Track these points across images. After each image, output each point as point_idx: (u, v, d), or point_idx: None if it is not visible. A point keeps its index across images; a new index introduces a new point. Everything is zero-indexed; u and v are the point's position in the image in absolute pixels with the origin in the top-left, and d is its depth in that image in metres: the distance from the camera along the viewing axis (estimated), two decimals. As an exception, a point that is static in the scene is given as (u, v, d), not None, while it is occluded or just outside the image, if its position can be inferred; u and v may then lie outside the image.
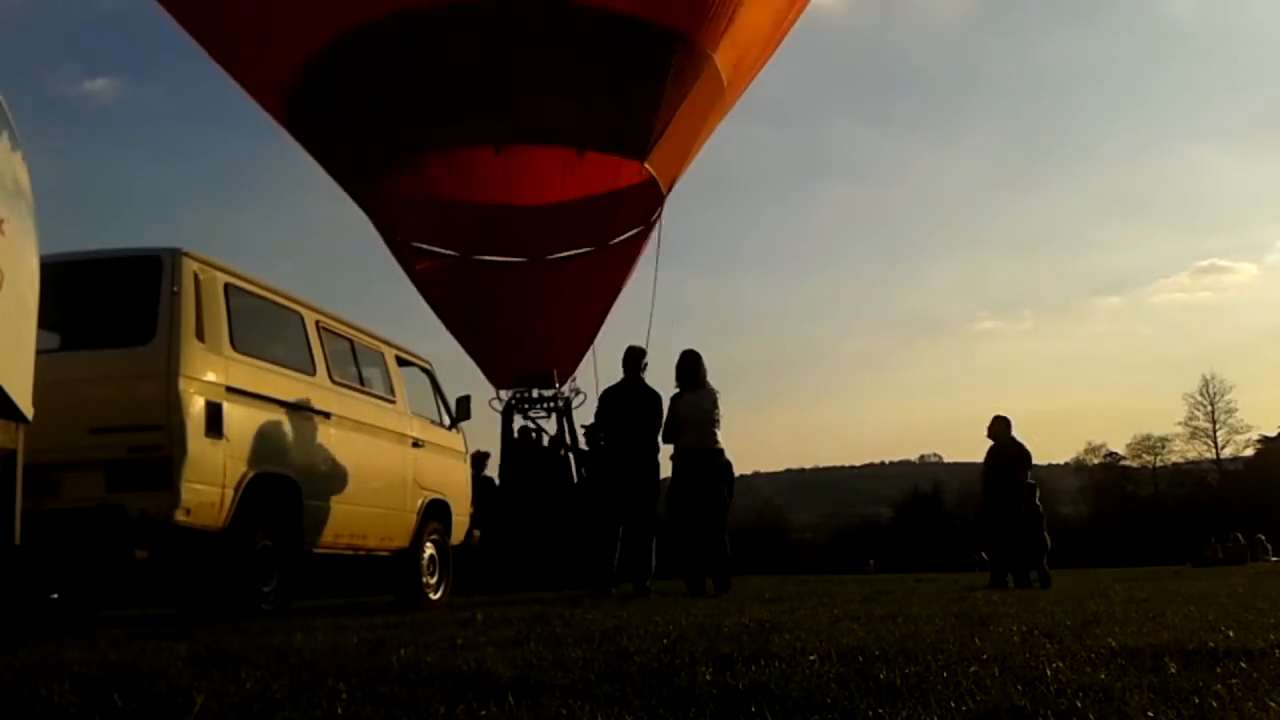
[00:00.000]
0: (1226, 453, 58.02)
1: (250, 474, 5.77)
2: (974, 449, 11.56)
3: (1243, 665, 2.56)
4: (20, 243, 4.17)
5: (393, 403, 7.74)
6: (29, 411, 4.23)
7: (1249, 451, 57.35)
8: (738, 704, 2.11)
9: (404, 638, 3.71)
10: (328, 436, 6.64)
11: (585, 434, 14.01)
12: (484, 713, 2.07)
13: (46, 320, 4.51)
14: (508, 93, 11.79)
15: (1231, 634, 3.33)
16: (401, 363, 8.13)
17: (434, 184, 12.92)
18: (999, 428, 10.78)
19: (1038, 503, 11.01)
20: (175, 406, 5.33)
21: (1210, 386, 57.52)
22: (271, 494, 5.99)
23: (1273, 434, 55.78)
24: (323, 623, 4.88)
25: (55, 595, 6.33)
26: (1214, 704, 2.06)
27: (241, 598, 5.75)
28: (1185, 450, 59.47)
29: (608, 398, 8.61)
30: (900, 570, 32.13)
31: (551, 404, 14.93)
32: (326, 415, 6.63)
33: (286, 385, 6.30)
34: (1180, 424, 58.78)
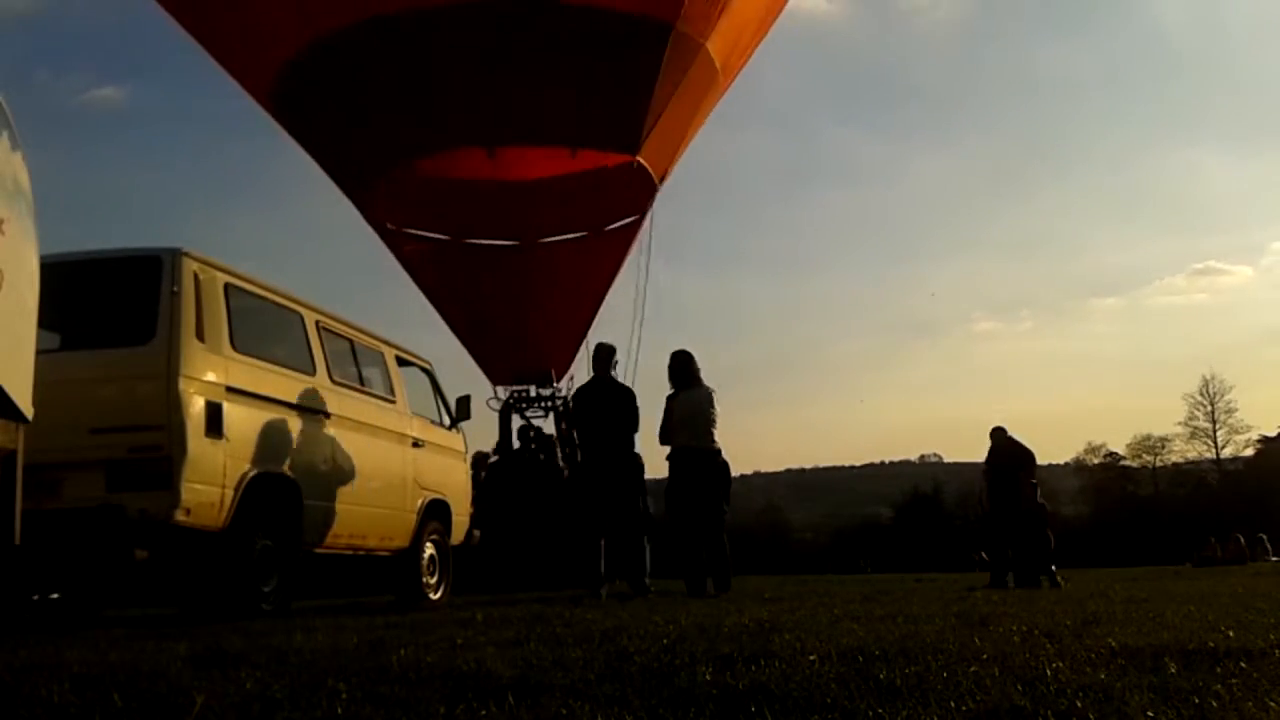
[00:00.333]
0: (1226, 453, 58.09)
1: (250, 474, 5.77)
2: (974, 449, 11.67)
3: (1243, 665, 2.56)
4: (20, 243, 4.17)
5: (393, 403, 7.74)
6: (29, 411, 4.23)
7: (1249, 451, 57.42)
8: (738, 704, 2.11)
9: (404, 638, 3.72)
10: (328, 436, 6.64)
11: (557, 433, 14.10)
12: (484, 713, 2.07)
13: (46, 320, 4.52)
14: (499, 96, 11.72)
15: (1231, 634, 3.33)
16: (401, 363, 8.13)
17: (426, 184, 12.92)
18: (997, 437, 11.00)
19: (1041, 500, 11.04)
20: (175, 406, 5.33)
21: (1210, 386, 57.56)
22: (271, 494, 5.99)
23: (1272, 434, 55.84)
24: (323, 623, 4.89)
25: (56, 595, 6.33)
26: (1214, 704, 2.05)
27: (241, 598, 5.75)
28: (1185, 450, 59.56)
29: (579, 397, 8.64)
30: (900, 570, 32.12)
31: (549, 403, 14.92)
32: (326, 415, 6.63)
33: (286, 385, 6.30)
34: (1180, 424, 58.84)
